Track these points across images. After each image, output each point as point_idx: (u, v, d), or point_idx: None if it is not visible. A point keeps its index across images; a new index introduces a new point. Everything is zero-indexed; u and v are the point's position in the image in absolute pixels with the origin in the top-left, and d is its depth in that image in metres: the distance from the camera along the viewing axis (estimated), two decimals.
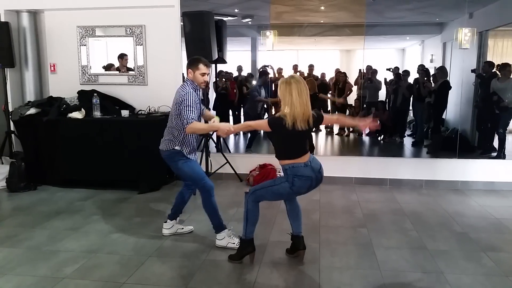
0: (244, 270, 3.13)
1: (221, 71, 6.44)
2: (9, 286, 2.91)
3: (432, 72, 6.13)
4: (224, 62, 5.60)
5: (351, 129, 6.73)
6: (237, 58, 6.84)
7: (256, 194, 3.16)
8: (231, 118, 6.87)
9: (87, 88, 5.80)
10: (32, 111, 5.37)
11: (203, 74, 3.44)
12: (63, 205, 4.72)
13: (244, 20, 6.20)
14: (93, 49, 5.94)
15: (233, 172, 5.68)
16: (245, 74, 6.87)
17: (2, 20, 5.62)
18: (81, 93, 5.70)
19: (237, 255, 3.28)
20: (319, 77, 6.81)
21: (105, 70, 6.03)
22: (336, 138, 6.82)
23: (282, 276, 3.06)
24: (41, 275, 3.07)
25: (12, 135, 5.71)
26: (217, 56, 5.21)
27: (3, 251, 3.48)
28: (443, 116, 6.09)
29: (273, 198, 3.33)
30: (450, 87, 5.74)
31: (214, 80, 6.26)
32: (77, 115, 5.34)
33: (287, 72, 6.70)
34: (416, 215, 4.37)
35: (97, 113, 5.41)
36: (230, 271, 3.14)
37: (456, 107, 5.86)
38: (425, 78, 6.05)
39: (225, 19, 5.67)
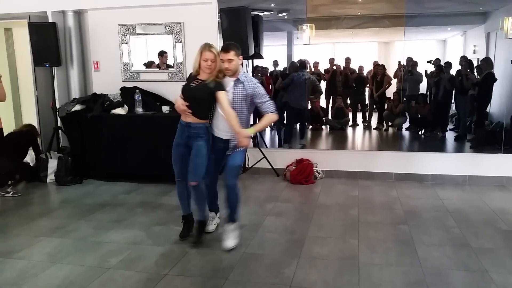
0: (283, 265, 3.16)
1: (257, 66, 6.46)
2: (61, 274, 3.08)
3: (475, 63, 5.90)
4: (260, 57, 5.62)
5: (390, 123, 6.60)
6: (272, 52, 6.82)
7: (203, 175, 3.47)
8: None
9: (129, 84, 5.97)
10: (77, 107, 5.60)
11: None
12: (107, 198, 4.91)
13: (280, 15, 6.18)
14: (134, 47, 6.10)
15: (270, 167, 5.72)
16: (281, 69, 6.85)
17: (50, 21, 5.88)
18: (123, 89, 5.87)
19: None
20: (356, 70, 6.71)
21: (146, 67, 6.19)
22: (374, 132, 6.71)
23: (320, 271, 3.07)
24: (88, 265, 3.22)
25: (59, 130, 5.99)
26: (253, 51, 5.24)
27: (54, 241, 3.68)
28: (487, 109, 5.86)
29: (207, 163, 3.50)
30: (495, 79, 5.51)
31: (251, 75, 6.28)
32: (120, 111, 5.51)
33: (323, 66, 6.67)
34: (459, 212, 4.26)
35: (139, 109, 5.57)
36: (269, 264, 3.18)
37: (500, 100, 5.61)
38: (468, 70, 5.83)
39: (261, 14, 5.69)
